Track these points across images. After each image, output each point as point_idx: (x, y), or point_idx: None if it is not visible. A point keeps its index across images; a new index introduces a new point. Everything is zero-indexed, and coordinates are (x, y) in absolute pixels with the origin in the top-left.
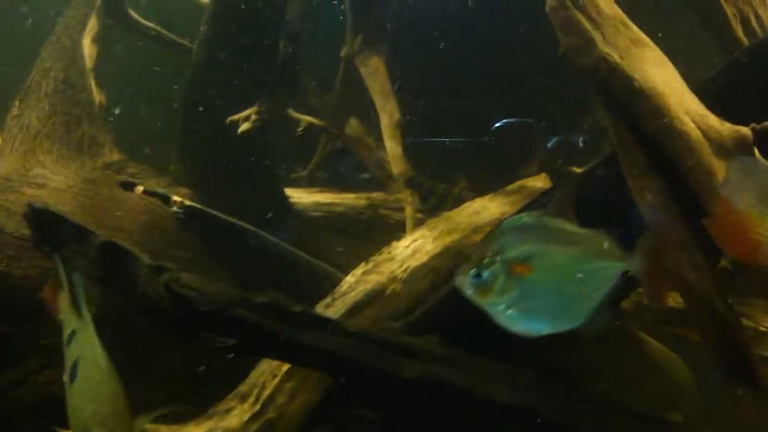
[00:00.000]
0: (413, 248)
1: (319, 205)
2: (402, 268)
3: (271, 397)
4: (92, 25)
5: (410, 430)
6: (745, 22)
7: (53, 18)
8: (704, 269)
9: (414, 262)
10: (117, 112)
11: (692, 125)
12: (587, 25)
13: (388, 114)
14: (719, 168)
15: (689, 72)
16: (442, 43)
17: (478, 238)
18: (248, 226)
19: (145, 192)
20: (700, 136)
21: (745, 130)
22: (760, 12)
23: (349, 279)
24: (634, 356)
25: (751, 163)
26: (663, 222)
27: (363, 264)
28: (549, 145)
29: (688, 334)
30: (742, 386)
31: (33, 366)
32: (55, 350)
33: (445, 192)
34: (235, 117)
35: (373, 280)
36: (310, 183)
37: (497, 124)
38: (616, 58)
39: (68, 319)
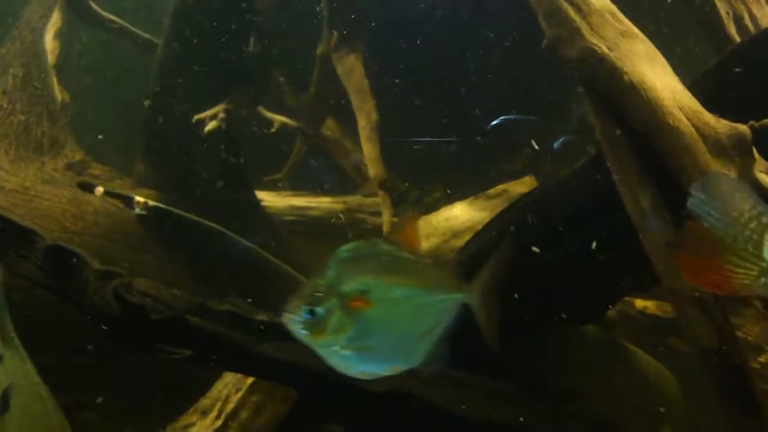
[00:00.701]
0: None
1: (294, 209)
2: None
3: (234, 412)
4: (55, 20)
5: None
6: (738, 20)
7: (16, 12)
8: None
9: None
10: (78, 111)
11: (686, 121)
12: (573, 15)
13: (365, 114)
14: (715, 167)
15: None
16: (422, 42)
17: (457, 242)
18: (216, 227)
19: (105, 193)
20: (695, 133)
21: (743, 128)
22: (754, 10)
23: None
24: (623, 368)
25: (722, 180)
26: (653, 225)
27: None
28: (555, 145)
29: (676, 344)
30: (736, 398)
31: None
32: None
33: (419, 198)
34: (202, 115)
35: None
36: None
37: (494, 122)
38: (604, 49)
39: None
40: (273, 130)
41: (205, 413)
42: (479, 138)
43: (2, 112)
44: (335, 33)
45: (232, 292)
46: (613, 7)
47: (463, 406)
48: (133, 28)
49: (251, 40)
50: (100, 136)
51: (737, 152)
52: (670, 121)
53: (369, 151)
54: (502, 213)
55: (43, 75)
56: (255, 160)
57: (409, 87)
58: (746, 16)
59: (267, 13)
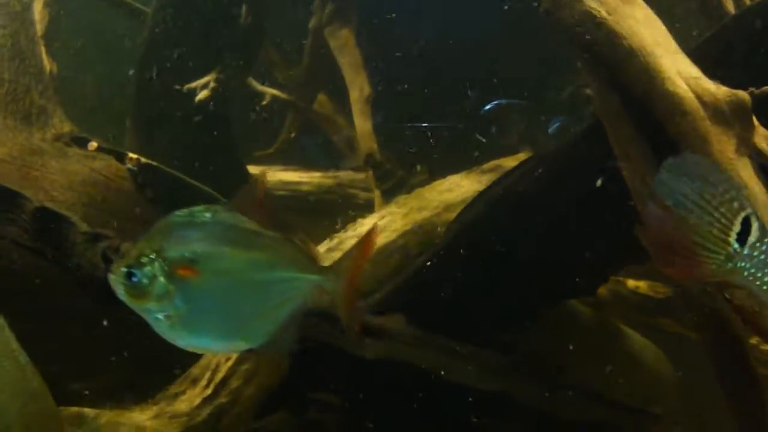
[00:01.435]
0: (381, 225)
1: (284, 184)
2: None
3: (224, 381)
4: None
5: (373, 416)
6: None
7: None
8: None
9: (382, 240)
10: (67, 82)
11: (685, 87)
12: None
13: (358, 88)
14: (715, 134)
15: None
16: (416, 19)
17: (450, 216)
18: (209, 190)
19: (98, 149)
20: (694, 99)
21: (743, 94)
22: None
23: None
24: (614, 347)
25: (692, 161)
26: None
27: (327, 240)
28: (550, 129)
29: (666, 324)
30: (736, 379)
31: None
32: None
33: (403, 178)
34: (192, 84)
35: (337, 258)
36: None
37: (487, 106)
38: (603, 13)
39: None
40: (264, 103)
41: (194, 381)
42: (473, 123)
43: None
44: (328, 6)
45: None
46: None
47: (457, 375)
48: None
49: (243, 10)
50: (90, 108)
51: (737, 119)
52: (670, 87)
53: (361, 125)
54: (495, 183)
55: (31, 45)
56: (245, 134)
57: (398, 66)
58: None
59: None
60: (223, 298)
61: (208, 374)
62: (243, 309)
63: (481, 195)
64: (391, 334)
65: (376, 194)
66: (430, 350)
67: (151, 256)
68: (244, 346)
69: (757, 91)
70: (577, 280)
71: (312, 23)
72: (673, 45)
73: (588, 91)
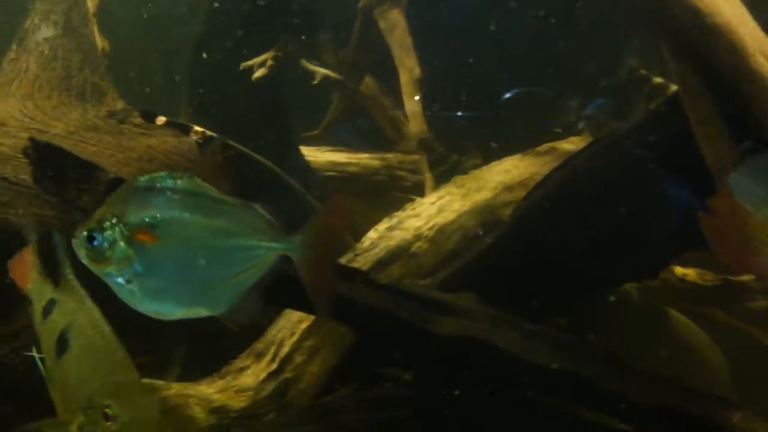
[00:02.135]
0: (439, 205)
1: (333, 165)
2: (428, 226)
3: (288, 356)
4: None
5: (440, 393)
6: None
7: None
8: None
9: (441, 220)
10: (120, 60)
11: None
12: None
13: (407, 70)
14: None
15: None
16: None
17: (508, 196)
18: (272, 165)
19: (166, 123)
20: None
21: None
22: None
23: (372, 235)
24: (666, 332)
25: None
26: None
27: (386, 219)
28: (588, 111)
29: (714, 313)
30: None
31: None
32: None
33: (457, 163)
34: (250, 63)
35: (398, 236)
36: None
37: (507, 95)
38: None
39: (40, 289)
40: (315, 82)
41: (259, 356)
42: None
43: (44, 58)
44: None
45: None
46: None
47: (529, 354)
48: None
49: None
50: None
51: None
52: (754, 66)
53: (411, 106)
54: (563, 164)
55: (83, 22)
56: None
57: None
58: None
59: None
60: (182, 264)
61: (273, 349)
62: (203, 275)
63: (549, 176)
64: (463, 312)
65: (427, 177)
66: (502, 328)
67: (112, 220)
68: (204, 312)
69: None
70: (642, 262)
71: (361, 3)
72: (753, 22)
73: (642, 71)
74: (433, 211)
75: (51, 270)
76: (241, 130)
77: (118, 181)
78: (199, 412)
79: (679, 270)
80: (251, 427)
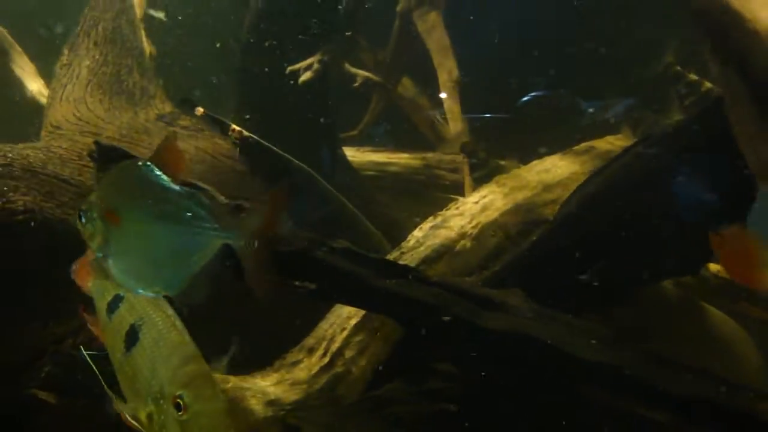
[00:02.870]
0: (482, 204)
1: (374, 164)
2: (472, 224)
3: (339, 351)
4: None
5: (489, 387)
6: None
7: None
8: None
9: (484, 219)
10: (168, 64)
11: None
12: None
13: (446, 71)
14: None
15: None
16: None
17: (549, 196)
18: (306, 167)
19: (204, 115)
20: None
21: None
22: None
23: (417, 233)
24: (701, 327)
25: None
26: None
27: (431, 218)
28: (610, 114)
29: (748, 309)
30: None
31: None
32: None
33: (497, 167)
34: (296, 66)
35: (442, 235)
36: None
37: (524, 98)
38: None
39: (103, 287)
40: (357, 85)
41: (311, 351)
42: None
43: (95, 63)
44: None
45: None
46: None
47: (573, 348)
48: None
49: None
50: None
51: None
52: None
53: (450, 106)
54: (608, 163)
55: (131, 28)
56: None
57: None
58: None
59: None
60: (139, 246)
61: (324, 344)
62: (157, 258)
63: (593, 175)
64: (510, 308)
65: (467, 177)
66: (548, 324)
67: (92, 201)
68: (162, 292)
69: None
70: (684, 258)
71: (400, 6)
72: None
73: (678, 68)
74: (476, 210)
75: None
76: (286, 131)
77: (185, 185)
78: (255, 405)
79: (713, 266)
80: (305, 419)
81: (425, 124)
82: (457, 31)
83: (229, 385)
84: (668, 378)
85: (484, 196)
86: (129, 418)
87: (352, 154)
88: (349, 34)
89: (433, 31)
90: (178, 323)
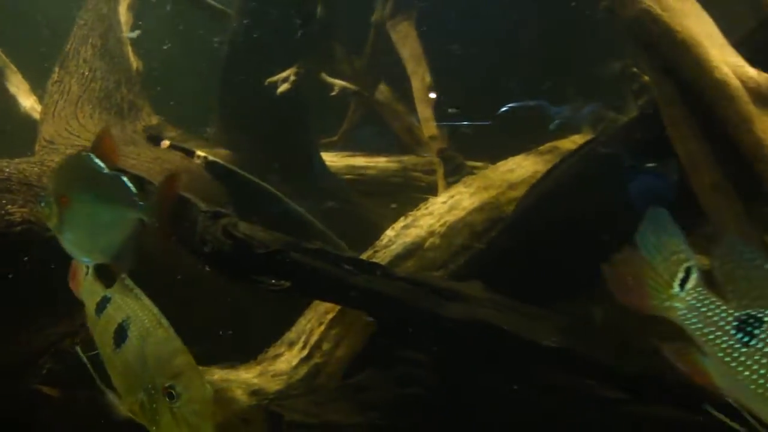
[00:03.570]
0: (450, 204)
1: (352, 169)
2: (440, 223)
3: (317, 344)
4: None
5: (455, 372)
6: None
7: None
8: (739, 211)
9: (451, 217)
10: (154, 78)
11: (731, 74)
12: None
13: (419, 78)
14: (756, 115)
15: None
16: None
17: (513, 194)
18: (268, 187)
19: (171, 146)
20: (739, 85)
21: None
22: None
23: (389, 233)
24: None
25: (663, 216)
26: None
27: (402, 218)
28: (580, 115)
29: None
30: None
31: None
32: None
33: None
34: (274, 78)
35: (413, 233)
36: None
37: (503, 108)
38: (658, 10)
39: (92, 289)
40: (333, 93)
41: (291, 344)
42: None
43: (84, 79)
44: (390, 1)
45: None
46: None
47: (529, 334)
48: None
49: (318, 7)
50: (172, 102)
51: None
52: (717, 75)
53: (423, 111)
54: (559, 163)
55: (119, 44)
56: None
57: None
58: None
59: None
60: (80, 222)
61: (303, 338)
62: (93, 231)
63: (547, 174)
64: (471, 298)
65: (440, 180)
66: (505, 311)
67: (48, 188)
68: (100, 259)
69: None
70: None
71: (374, 17)
72: (719, 36)
73: (634, 69)
74: (444, 209)
75: (102, 273)
76: (266, 141)
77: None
78: (240, 395)
79: None
80: (287, 407)
81: (402, 128)
82: (433, 40)
83: (216, 376)
84: (618, 357)
85: (452, 196)
86: (123, 409)
87: (331, 159)
88: (324, 46)
89: (406, 41)
90: (164, 321)
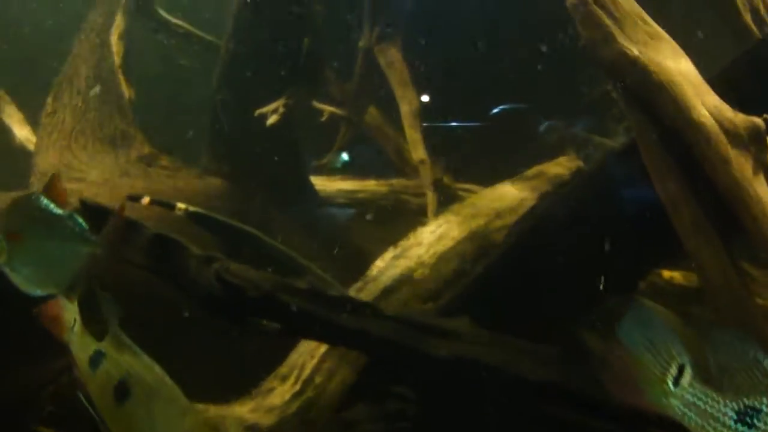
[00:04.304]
0: (439, 234)
1: (343, 192)
2: (429, 253)
3: (310, 378)
4: (118, 23)
5: (444, 406)
6: (754, 11)
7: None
8: (719, 248)
9: (440, 248)
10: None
11: (708, 116)
12: (607, 20)
13: (407, 102)
14: (734, 156)
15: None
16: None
17: (501, 222)
18: (248, 228)
19: (151, 202)
20: (716, 126)
21: (758, 121)
22: None
23: (379, 264)
24: None
25: (647, 312)
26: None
27: (391, 249)
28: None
29: (699, 313)
30: None
31: None
32: None
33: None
34: (263, 110)
35: (402, 264)
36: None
37: (494, 111)
38: (635, 51)
39: (82, 342)
40: (323, 119)
41: (284, 379)
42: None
43: (78, 110)
44: (376, 28)
45: None
46: (642, 12)
47: (516, 368)
48: (196, 31)
49: (306, 38)
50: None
51: (753, 143)
52: (694, 116)
53: (412, 135)
54: (548, 193)
55: (111, 74)
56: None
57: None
58: (762, 8)
59: (319, 11)
60: (35, 257)
61: (295, 372)
62: (48, 265)
63: (535, 207)
64: (457, 335)
65: (429, 200)
66: (491, 347)
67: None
68: (54, 291)
69: None
70: (622, 279)
71: (362, 43)
72: (696, 76)
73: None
74: (433, 239)
75: (92, 326)
76: (256, 172)
77: (160, 237)
78: (234, 430)
79: (666, 273)
80: None
81: (392, 150)
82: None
83: (211, 413)
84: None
85: (440, 225)
86: None
87: (322, 183)
88: (312, 77)
89: (393, 66)
90: (169, 380)
